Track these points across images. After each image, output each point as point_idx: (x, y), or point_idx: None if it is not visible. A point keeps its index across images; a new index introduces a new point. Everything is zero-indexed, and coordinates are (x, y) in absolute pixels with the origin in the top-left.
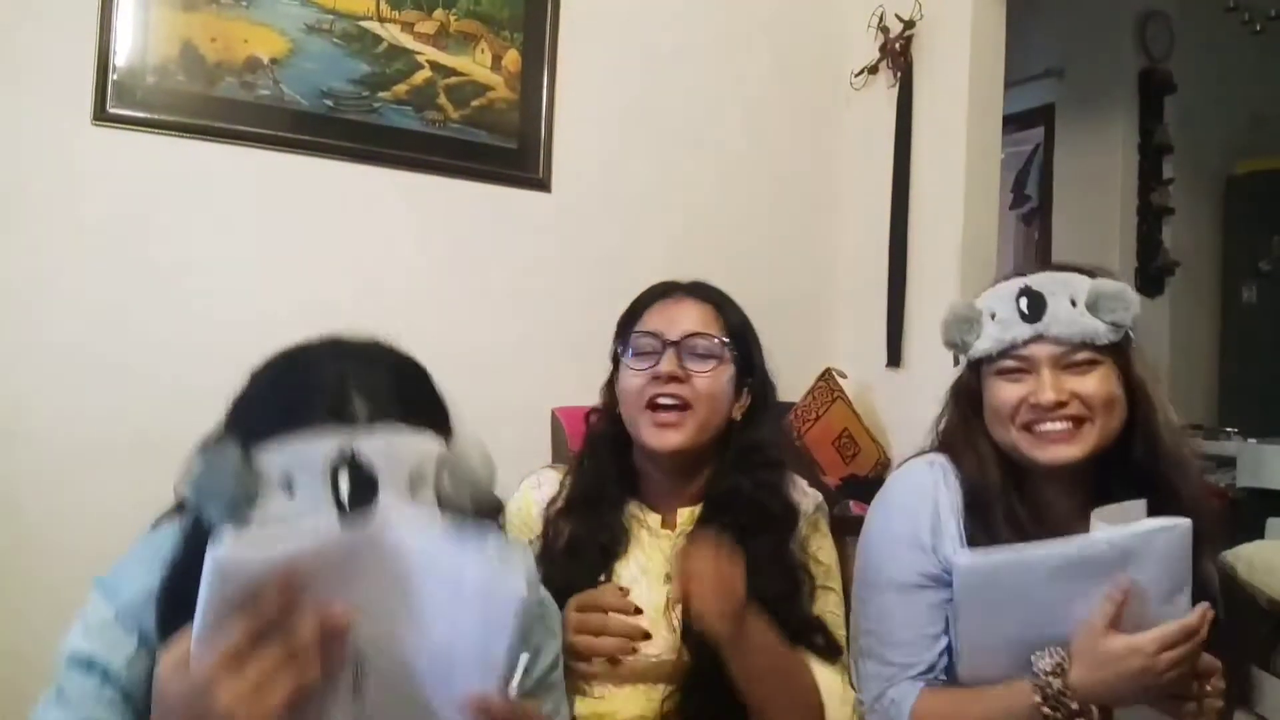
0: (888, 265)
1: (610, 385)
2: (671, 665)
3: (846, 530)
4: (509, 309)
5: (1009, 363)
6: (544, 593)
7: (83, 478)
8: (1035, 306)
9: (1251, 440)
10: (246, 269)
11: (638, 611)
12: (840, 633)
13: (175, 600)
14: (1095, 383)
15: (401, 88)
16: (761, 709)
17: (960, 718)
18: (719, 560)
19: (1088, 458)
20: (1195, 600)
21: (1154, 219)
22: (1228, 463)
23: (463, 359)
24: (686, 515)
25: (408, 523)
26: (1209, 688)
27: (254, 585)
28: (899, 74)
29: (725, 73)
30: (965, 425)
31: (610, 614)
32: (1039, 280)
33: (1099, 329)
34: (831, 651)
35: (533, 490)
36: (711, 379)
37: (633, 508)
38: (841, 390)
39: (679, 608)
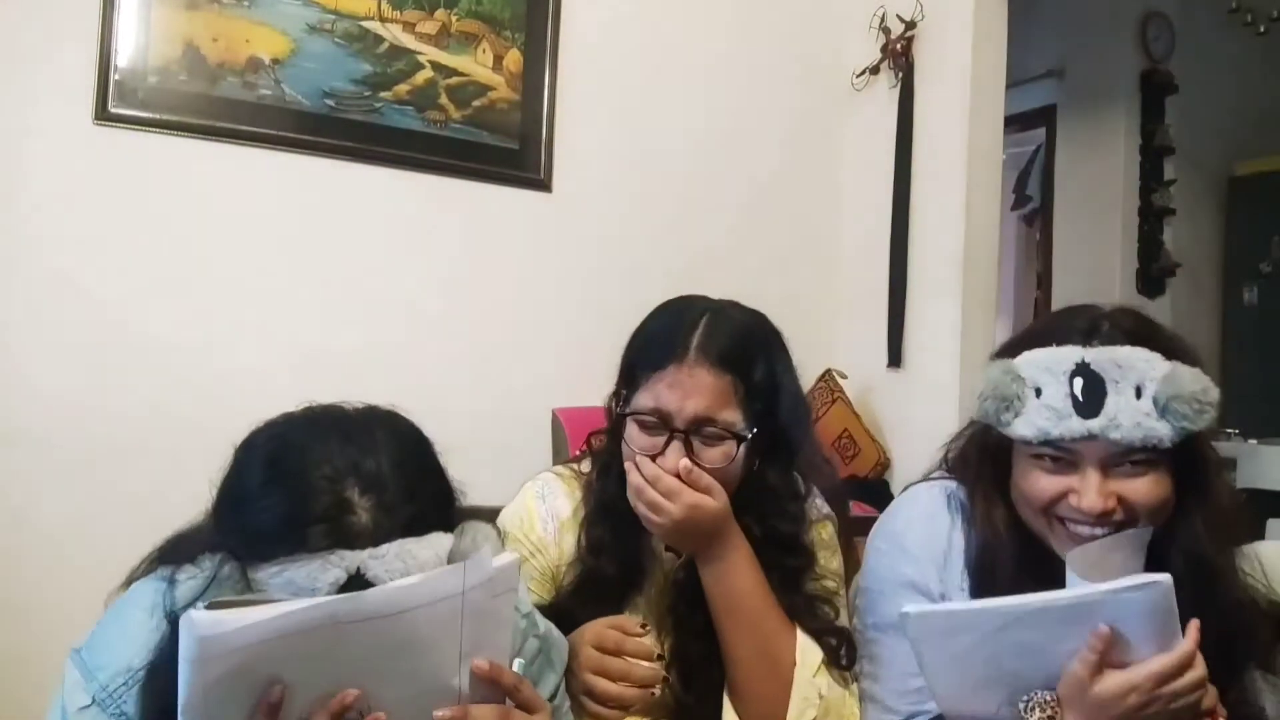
0: (888, 266)
1: (616, 399)
2: (665, 698)
3: (847, 531)
4: (509, 309)
5: (1051, 451)
6: (546, 625)
7: (83, 478)
8: (1093, 396)
9: (1251, 441)
10: (247, 269)
11: (660, 658)
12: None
13: (160, 688)
14: (1147, 487)
15: (403, 88)
16: (732, 657)
17: None
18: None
19: None
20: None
21: (1155, 220)
22: (1228, 463)
23: (463, 359)
24: None
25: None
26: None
27: (235, 656)
28: (900, 74)
29: (726, 73)
30: (983, 483)
31: (632, 659)
32: (1101, 360)
33: (1164, 434)
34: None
35: (537, 501)
36: (722, 462)
37: (650, 541)
38: (842, 391)
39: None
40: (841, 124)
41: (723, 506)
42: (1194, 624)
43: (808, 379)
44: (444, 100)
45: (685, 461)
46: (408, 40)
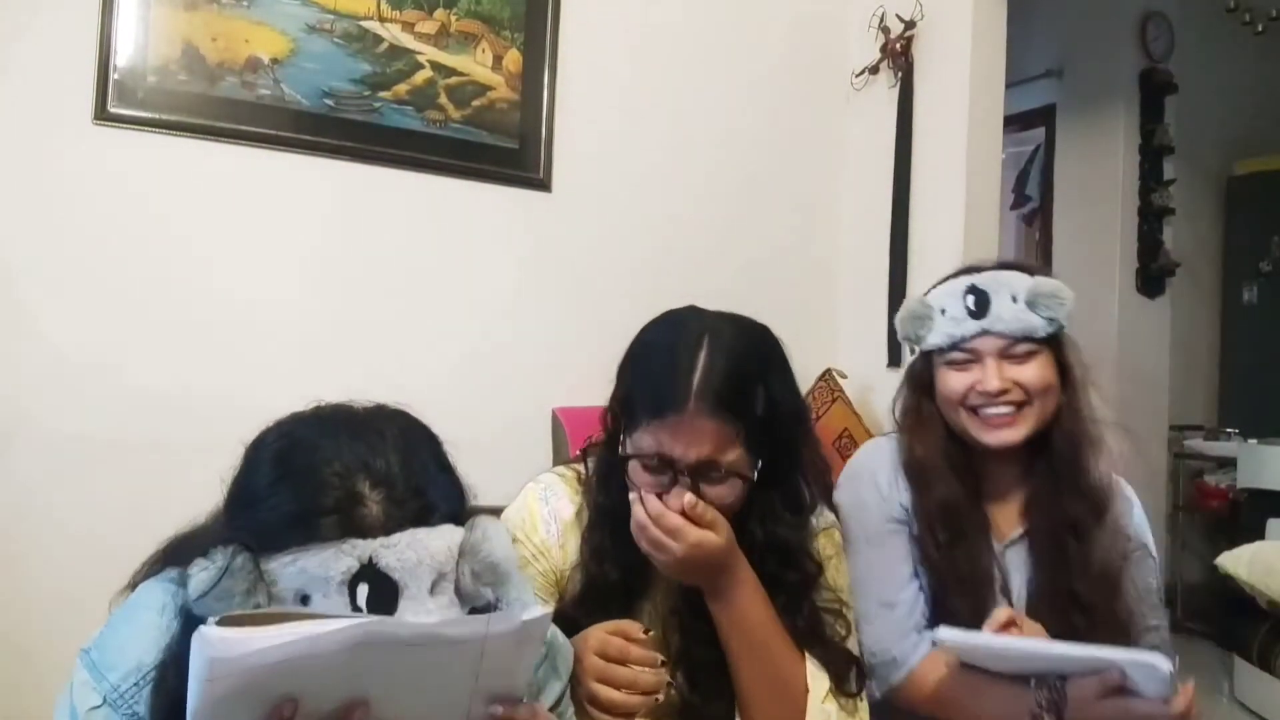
0: (888, 266)
1: (614, 422)
2: (672, 699)
3: None
4: (509, 309)
5: (957, 355)
6: (553, 632)
7: (83, 478)
8: (981, 304)
9: (1251, 440)
10: (248, 269)
11: (663, 663)
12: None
13: (171, 687)
14: (1034, 371)
15: (402, 88)
16: (743, 685)
17: (956, 692)
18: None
19: (1027, 439)
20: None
21: (1155, 219)
22: (1228, 463)
23: (463, 359)
24: None
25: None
26: None
27: (247, 675)
28: (900, 74)
29: (726, 73)
30: (919, 407)
31: (636, 666)
32: (984, 279)
33: (1037, 324)
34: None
35: (540, 504)
36: (728, 498)
37: None
38: (841, 390)
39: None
40: (841, 124)
41: (727, 541)
42: (1188, 689)
43: (808, 379)
44: (443, 100)
45: (689, 497)
46: (407, 40)
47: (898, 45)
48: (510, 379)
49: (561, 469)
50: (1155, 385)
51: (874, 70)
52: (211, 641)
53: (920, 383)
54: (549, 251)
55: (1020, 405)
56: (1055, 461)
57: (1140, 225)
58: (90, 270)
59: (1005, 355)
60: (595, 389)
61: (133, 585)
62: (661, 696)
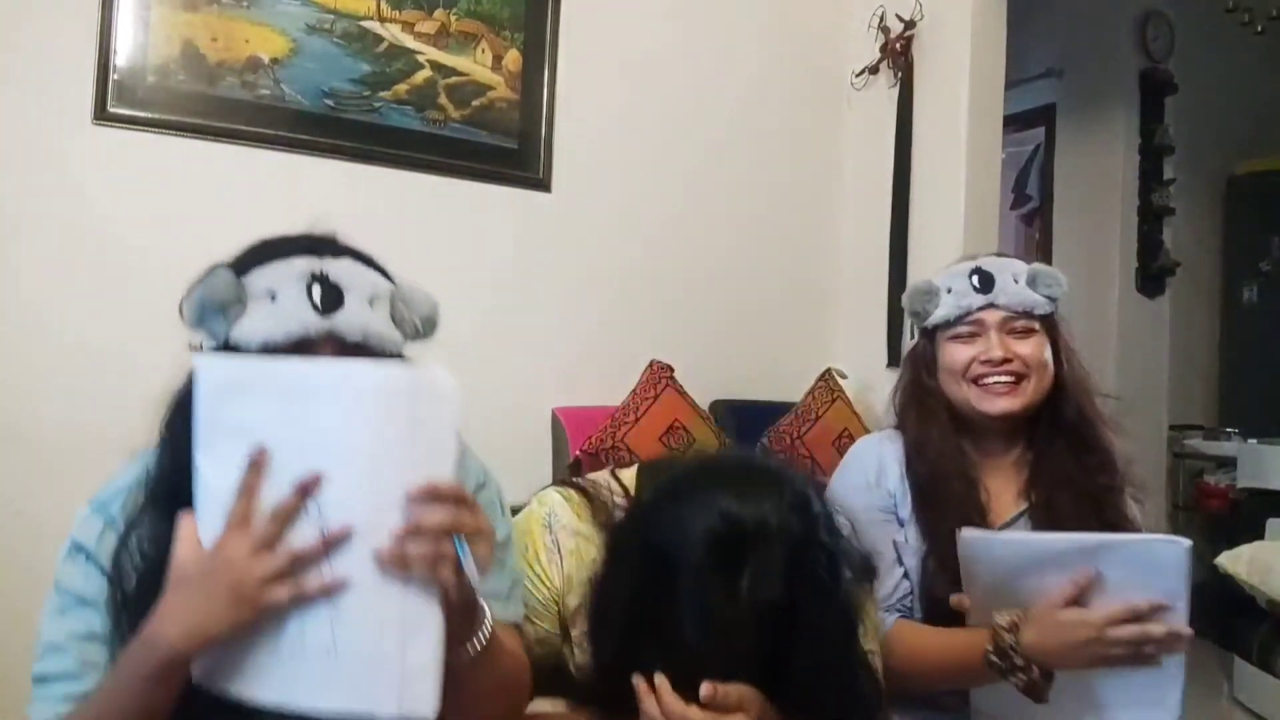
0: (888, 265)
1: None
2: None
3: None
4: (509, 308)
5: (963, 328)
6: (487, 472)
7: (83, 477)
8: (986, 281)
9: (1251, 440)
10: None
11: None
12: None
13: (161, 491)
14: (1033, 346)
15: (402, 87)
16: None
17: (922, 648)
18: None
19: (1025, 411)
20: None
21: (1154, 219)
22: (1228, 463)
23: (463, 359)
24: None
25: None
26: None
27: (236, 383)
28: (899, 74)
29: (726, 73)
30: (919, 385)
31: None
32: (987, 262)
33: (1038, 300)
34: None
35: (543, 531)
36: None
37: None
38: (841, 390)
39: None
40: (841, 123)
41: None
42: (1157, 596)
43: (808, 378)
44: (443, 100)
45: (706, 686)
46: (407, 40)
47: (898, 45)
48: (510, 379)
49: (567, 490)
50: (1155, 385)
51: (874, 70)
52: (210, 362)
53: (923, 361)
54: (548, 251)
55: (1020, 377)
56: (1065, 431)
57: (1140, 225)
58: (90, 269)
59: (1007, 329)
60: (595, 389)
61: None
62: None
